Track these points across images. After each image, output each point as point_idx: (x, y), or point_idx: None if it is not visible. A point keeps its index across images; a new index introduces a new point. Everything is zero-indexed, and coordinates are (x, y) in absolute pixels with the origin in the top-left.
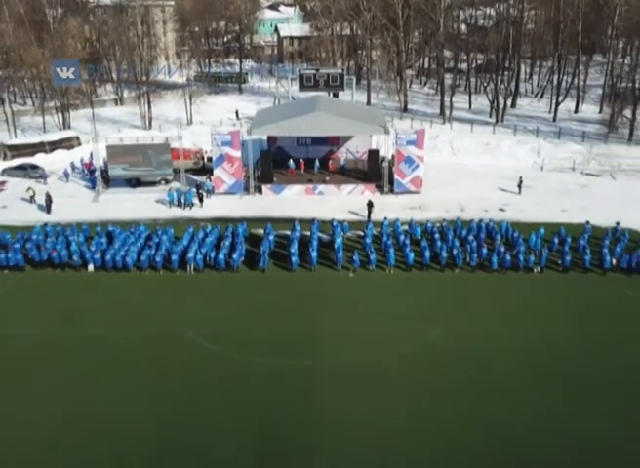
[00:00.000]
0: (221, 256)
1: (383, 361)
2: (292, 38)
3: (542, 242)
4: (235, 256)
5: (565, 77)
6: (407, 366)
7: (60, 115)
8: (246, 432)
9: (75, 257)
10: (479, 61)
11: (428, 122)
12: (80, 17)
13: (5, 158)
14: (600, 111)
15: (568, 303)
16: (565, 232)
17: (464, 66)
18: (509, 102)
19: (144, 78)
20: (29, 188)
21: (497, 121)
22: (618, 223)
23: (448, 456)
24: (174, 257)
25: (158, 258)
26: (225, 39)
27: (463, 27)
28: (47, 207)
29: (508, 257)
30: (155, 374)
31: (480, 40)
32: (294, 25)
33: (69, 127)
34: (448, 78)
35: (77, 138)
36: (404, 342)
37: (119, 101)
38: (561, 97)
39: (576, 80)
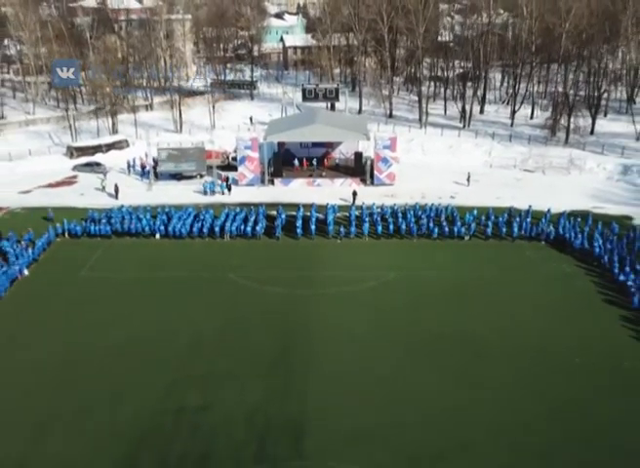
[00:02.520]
0: (248, 229)
1: (357, 290)
2: (295, 48)
3: (474, 219)
4: (258, 228)
5: (524, 88)
6: (372, 293)
7: (109, 121)
8: (270, 326)
9: (147, 229)
10: (458, 70)
11: (408, 127)
12: (110, 30)
13: (72, 157)
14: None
15: (485, 259)
16: (492, 212)
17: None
18: (478, 109)
19: (173, 84)
20: (103, 180)
21: (464, 126)
22: (530, 206)
23: (390, 331)
24: (216, 229)
25: (205, 230)
26: (236, 44)
27: (445, 37)
28: (115, 194)
29: (447, 229)
30: (210, 295)
31: (459, 50)
32: (297, 36)
33: (117, 131)
34: (431, 86)
35: (126, 141)
36: (371, 281)
37: (149, 107)
38: (517, 106)
39: (531, 90)
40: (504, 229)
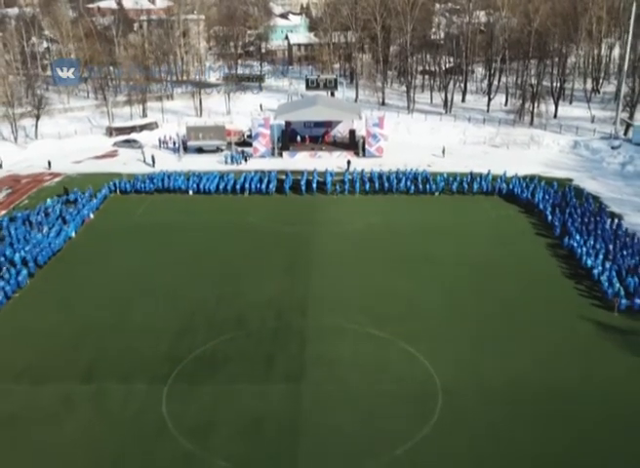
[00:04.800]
0: (263, 187)
1: (348, 229)
2: (299, 45)
3: (443, 180)
4: (271, 186)
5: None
6: (360, 230)
7: (140, 107)
8: (281, 249)
9: (182, 186)
10: (445, 65)
11: (397, 112)
12: (130, 29)
13: (111, 135)
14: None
15: (450, 208)
16: (458, 175)
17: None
18: (460, 98)
19: (191, 78)
20: (143, 152)
21: (445, 112)
22: (489, 170)
23: (371, 253)
24: (237, 187)
25: (228, 187)
26: (246, 41)
27: (436, 35)
28: (152, 163)
29: (421, 187)
30: (234, 231)
31: (445, 46)
32: (301, 34)
33: (146, 115)
34: (420, 79)
35: (156, 123)
36: (358, 223)
37: (170, 97)
38: (493, 95)
39: (506, 81)
40: (466, 186)
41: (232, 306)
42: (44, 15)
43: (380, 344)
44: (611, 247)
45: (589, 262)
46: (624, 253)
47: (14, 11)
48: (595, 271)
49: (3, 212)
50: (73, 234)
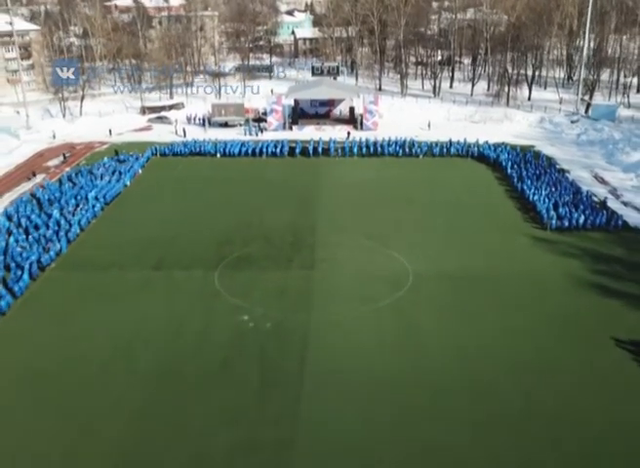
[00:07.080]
0: (277, 151)
1: (346, 181)
2: (304, 39)
3: (427, 145)
4: (284, 150)
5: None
6: (356, 184)
7: (169, 90)
8: (293, 195)
9: (211, 151)
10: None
11: (391, 96)
12: (151, 25)
13: (144, 114)
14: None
15: (430, 167)
16: (440, 142)
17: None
18: (448, 85)
19: (208, 68)
20: (175, 125)
21: (434, 95)
22: (465, 139)
23: (364, 196)
24: (257, 151)
25: (249, 151)
26: (256, 36)
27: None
28: (184, 134)
29: (407, 150)
30: (254, 183)
31: (436, 40)
32: (306, 29)
33: (173, 97)
34: (413, 69)
35: (182, 103)
36: (355, 177)
37: (190, 85)
38: (476, 80)
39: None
40: (445, 151)
41: (259, 229)
42: (70, 11)
43: (370, 250)
44: (553, 189)
45: (535, 197)
46: (562, 192)
47: (42, 7)
48: (538, 204)
49: (68, 168)
50: (128, 183)
